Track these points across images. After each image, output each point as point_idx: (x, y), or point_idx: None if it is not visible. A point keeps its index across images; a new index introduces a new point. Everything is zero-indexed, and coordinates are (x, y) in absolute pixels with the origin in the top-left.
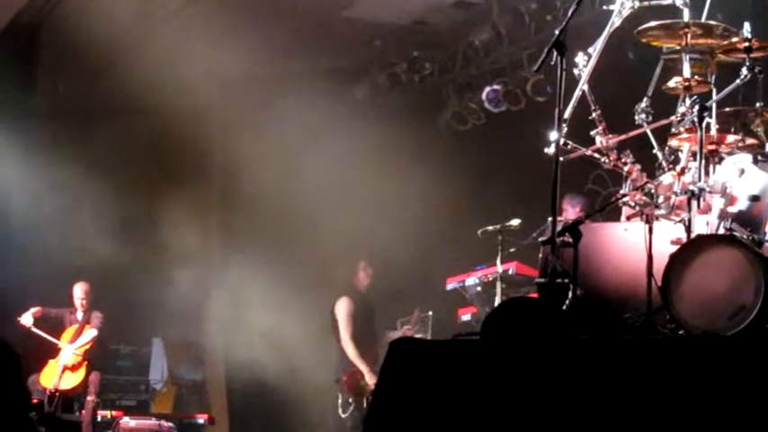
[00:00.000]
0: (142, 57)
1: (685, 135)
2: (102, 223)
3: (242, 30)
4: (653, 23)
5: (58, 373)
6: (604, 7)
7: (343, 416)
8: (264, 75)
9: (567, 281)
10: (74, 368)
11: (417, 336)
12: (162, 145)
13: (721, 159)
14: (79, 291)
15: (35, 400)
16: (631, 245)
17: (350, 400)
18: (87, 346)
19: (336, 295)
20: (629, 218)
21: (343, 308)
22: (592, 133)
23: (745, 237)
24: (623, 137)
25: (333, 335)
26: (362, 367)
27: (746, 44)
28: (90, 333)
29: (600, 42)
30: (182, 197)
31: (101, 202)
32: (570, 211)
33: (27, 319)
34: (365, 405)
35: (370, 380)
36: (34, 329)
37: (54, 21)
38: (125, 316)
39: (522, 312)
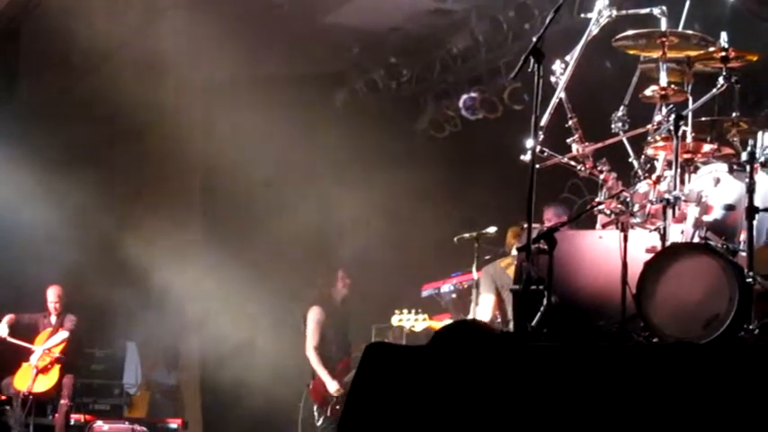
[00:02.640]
0: (123, 59)
1: (661, 144)
2: (79, 226)
3: (223, 34)
4: (630, 32)
5: (32, 376)
6: (582, 15)
7: (318, 423)
8: (244, 79)
9: (541, 288)
10: (46, 371)
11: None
12: (142, 148)
13: (697, 168)
14: (52, 294)
15: (2, 397)
16: (606, 253)
17: (314, 408)
18: (59, 348)
19: (309, 303)
20: (604, 226)
21: (312, 317)
22: (568, 141)
23: (719, 246)
24: (599, 145)
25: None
26: (324, 376)
27: (723, 54)
28: (61, 335)
29: (577, 50)
30: (161, 201)
31: (78, 205)
32: (554, 221)
33: (2, 330)
34: (329, 413)
35: (331, 387)
36: (9, 339)
37: (35, 22)
38: (99, 319)
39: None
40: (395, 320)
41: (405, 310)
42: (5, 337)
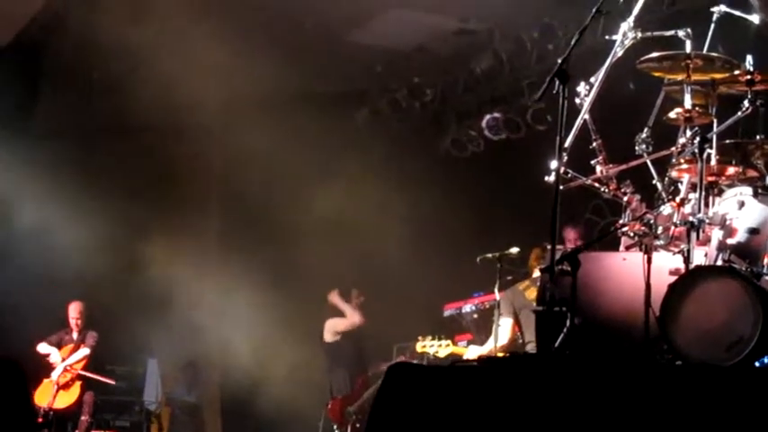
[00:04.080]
0: (144, 77)
1: (685, 166)
2: (101, 242)
3: (245, 51)
4: (655, 54)
5: (53, 392)
6: (606, 37)
7: None
8: (265, 97)
9: (565, 309)
10: (67, 387)
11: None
12: (161, 164)
13: (721, 191)
14: (74, 311)
15: (40, 420)
16: (630, 275)
17: (334, 427)
18: (80, 366)
19: (326, 319)
20: (627, 248)
21: (331, 324)
22: (592, 162)
23: (743, 269)
24: (623, 167)
25: (324, 360)
26: (348, 310)
27: (749, 77)
28: (82, 351)
29: (602, 72)
30: (180, 217)
31: (99, 220)
32: (575, 241)
33: (55, 356)
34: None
35: (357, 319)
36: (85, 373)
37: (57, 38)
38: (120, 336)
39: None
40: (418, 347)
41: (429, 336)
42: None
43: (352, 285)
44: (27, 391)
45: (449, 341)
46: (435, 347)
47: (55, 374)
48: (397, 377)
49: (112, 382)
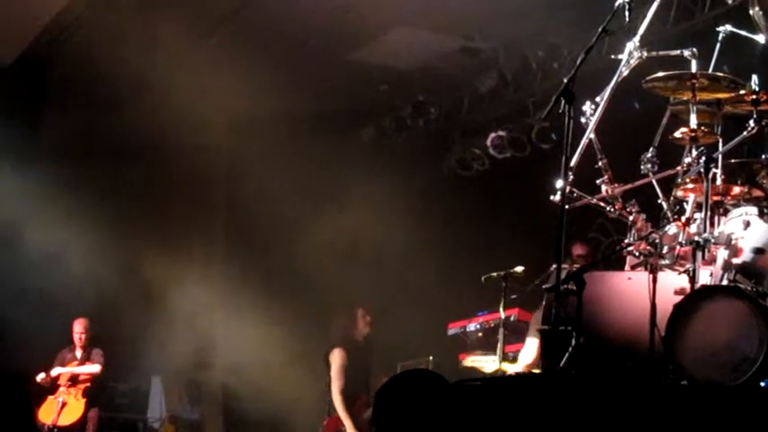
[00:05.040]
0: (150, 95)
1: (691, 186)
2: (104, 261)
3: (249, 70)
4: (660, 74)
5: (57, 409)
6: (612, 57)
7: None
8: (271, 115)
9: (570, 329)
10: (71, 404)
11: None
12: (166, 183)
13: (726, 211)
14: (79, 326)
15: None
16: (635, 294)
17: None
18: (87, 383)
19: (332, 344)
20: (633, 267)
21: (336, 360)
22: (598, 182)
23: (749, 289)
24: (629, 186)
25: (325, 380)
26: (347, 422)
27: (754, 97)
28: (93, 368)
29: (607, 91)
30: (185, 237)
31: (102, 239)
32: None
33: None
34: None
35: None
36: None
37: (63, 56)
38: (124, 354)
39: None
40: (468, 362)
41: (477, 351)
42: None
43: (356, 305)
44: (30, 408)
45: (495, 357)
46: (482, 363)
47: (60, 391)
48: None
49: (98, 369)
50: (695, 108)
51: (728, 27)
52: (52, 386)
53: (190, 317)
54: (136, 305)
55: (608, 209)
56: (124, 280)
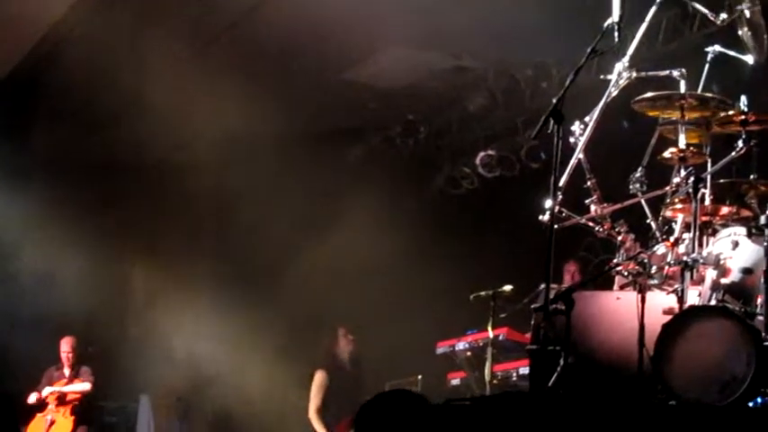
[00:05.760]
0: (141, 112)
1: (679, 206)
2: (92, 279)
3: (239, 88)
4: (649, 94)
5: (45, 427)
6: (601, 77)
7: None
8: (259, 133)
9: (558, 348)
10: (59, 422)
11: None
12: (156, 201)
13: (715, 231)
14: (66, 345)
15: None
16: (624, 314)
17: None
18: (75, 401)
19: (316, 365)
20: (621, 287)
21: (316, 380)
22: (587, 202)
23: (737, 309)
24: (618, 206)
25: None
26: None
27: (743, 117)
28: (84, 386)
29: (596, 111)
30: (174, 254)
31: (90, 257)
32: (576, 276)
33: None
34: None
35: None
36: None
37: (53, 74)
38: (112, 372)
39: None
40: None
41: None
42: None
43: (337, 324)
44: (17, 426)
45: None
46: None
47: (48, 410)
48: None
49: (88, 387)
50: (684, 128)
51: (717, 47)
52: (41, 404)
53: (179, 335)
54: (124, 323)
55: (597, 229)
56: (112, 298)
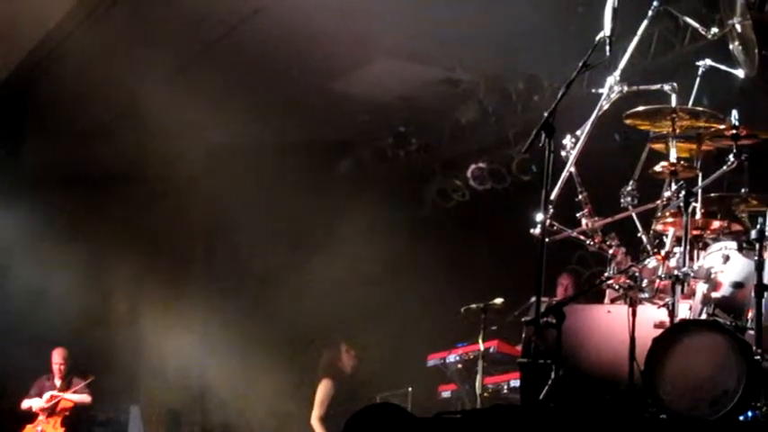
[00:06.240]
0: (129, 124)
1: (670, 219)
2: (84, 290)
3: (229, 101)
4: (640, 108)
5: None
6: (593, 90)
7: None
8: (250, 146)
9: (550, 361)
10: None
11: None
12: (146, 213)
13: (706, 245)
14: (58, 356)
15: None
16: (615, 327)
17: None
18: (66, 413)
19: (321, 375)
20: (612, 300)
21: (322, 389)
22: (578, 215)
23: (727, 323)
24: (609, 220)
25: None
26: None
27: (734, 131)
28: (84, 397)
29: (588, 125)
30: (164, 266)
31: (82, 268)
32: (569, 289)
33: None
34: None
35: None
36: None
37: (43, 86)
38: (103, 383)
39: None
40: None
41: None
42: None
43: (339, 339)
44: None
45: None
46: None
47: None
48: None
49: (88, 399)
50: (675, 142)
51: (708, 61)
52: (30, 415)
53: (169, 347)
54: (115, 334)
55: (588, 242)
56: (103, 309)
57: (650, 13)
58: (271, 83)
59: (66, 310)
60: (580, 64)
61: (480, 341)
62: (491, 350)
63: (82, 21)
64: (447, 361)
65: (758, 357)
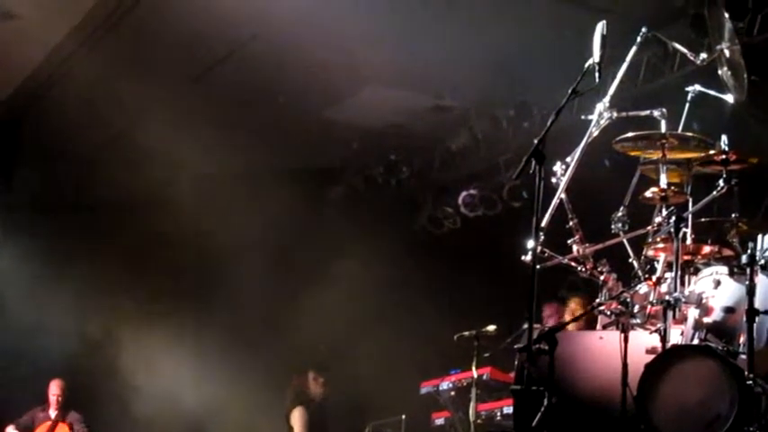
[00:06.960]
0: (119, 150)
1: (661, 245)
2: (75, 319)
3: (219, 127)
4: (630, 134)
5: None
6: (582, 117)
7: None
8: (240, 173)
9: (542, 388)
10: None
11: None
12: (136, 241)
13: (697, 270)
14: (55, 387)
15: None
16: (607, 353)
17: None
18: None
19: (292, 404)
20: (604, 326)
21: (299, 417)
22: (569, 242)
23: (719, 348)
24: (600, 246)
25: None
26: None
27: (724, 156)
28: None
29: (578, 152)
30: (154, 293)
31: (71, 297)
32: (553, 318)
33: None
34: None
35: None
36: None
37: (36, 113)
38: (94, 413)
39: None
40: None
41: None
42: None
43: (307, 368)
44: None
45: None
46: None
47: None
48: None
49: None
50: (665, 168)
51: (698, 87)
52: None
53: (162, 378)
54: (102, 366)
55: (579, 268)
56: (94, 339)
57: (639, 39)
58: (262, 110)
59: (57, 341)
60: (570, 90)
61: (474, 368)
62: (484, 377)
63: (74, 50)
64: (440, 388)
65: (750, 382)
